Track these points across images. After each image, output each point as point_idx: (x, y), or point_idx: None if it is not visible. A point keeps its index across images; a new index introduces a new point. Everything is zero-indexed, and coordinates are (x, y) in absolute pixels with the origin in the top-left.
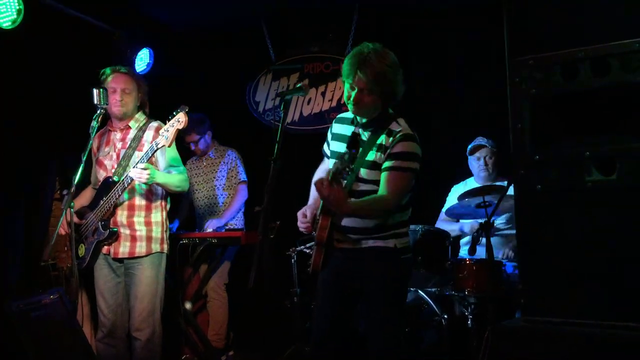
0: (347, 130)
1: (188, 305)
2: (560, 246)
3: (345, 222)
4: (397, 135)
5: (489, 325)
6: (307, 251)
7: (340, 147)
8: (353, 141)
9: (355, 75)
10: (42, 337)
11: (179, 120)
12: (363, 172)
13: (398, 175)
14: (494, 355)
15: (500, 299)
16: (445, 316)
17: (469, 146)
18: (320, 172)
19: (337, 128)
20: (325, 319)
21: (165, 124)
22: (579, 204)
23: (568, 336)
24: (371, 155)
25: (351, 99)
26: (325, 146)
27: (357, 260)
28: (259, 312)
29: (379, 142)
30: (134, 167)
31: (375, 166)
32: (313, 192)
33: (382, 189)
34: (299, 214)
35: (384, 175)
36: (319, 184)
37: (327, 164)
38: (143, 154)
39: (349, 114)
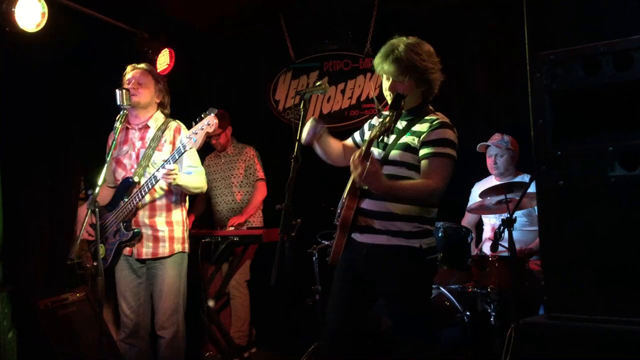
0: None
1: (211, 303)
2: (583, 242)
3: (371, 206)
4: (435, 122)
5: (512, 322)
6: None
7: None
8: (396, 102)
9: (382, 66)
10: (68, 334)
11: (209, 123)
12: (394, 154)
13: (438, 161)
14: (517, 352)
15: (523, 296)
16: (468, 313)
17: (478, 145)
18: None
19: (377, 120)
20: (338, 317)
21: (184, 123)
22: (602, 200)
23: (592, 333)
24: (405, 139)
25: (388, 90)
26: (356, 133)
27: (379, 260)
28: (281, 310)
29: (414, 128)
30: (161, 166)
31: (408, 148)
32: None
33: (424, 176)
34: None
35: (424, 163)
36: (352, 159)
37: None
38: (170, 156)
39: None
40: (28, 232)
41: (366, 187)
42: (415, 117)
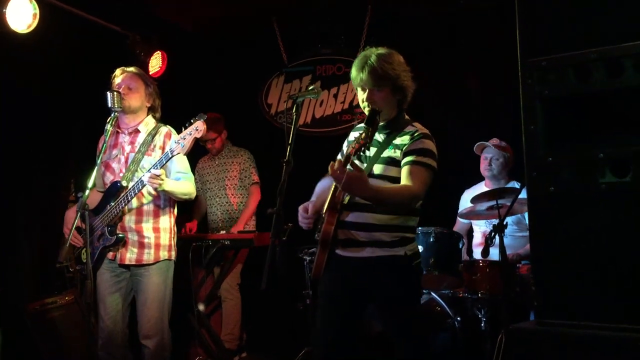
0: None
1: (201, 307)
2: (574, 248)
3: (352, 218)
4: (416, 134)
5: (503, 327)
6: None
7: None
8: (371, 118)
9: (359, 77)
10: (56, 337)
11: (197, 128)
12: (377, 169)
13: (420, 169)
14: (507, 357)
15: (514, 301)
16: (459, 318)
17: (476, 145)
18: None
19: (356, 134)
20: (333, 330)
21: (175, 129)
22: (592, 206)
23: (583, 339)
24: (387, 153)
25: (365, 101)
26: (339, 155)
27: (366, 272)
28: (272, 314)
29: (395, 141)
30: (148, 171)
31: (391, 162)
32: (317, 190)
33: (405, 181)
34: (301, 208)
35: (405, 169)
36: (332, 168)
37: None
38: (157, 161)
39: None
40: (19, 235)
41: (347, 198)
42: (395, 129)
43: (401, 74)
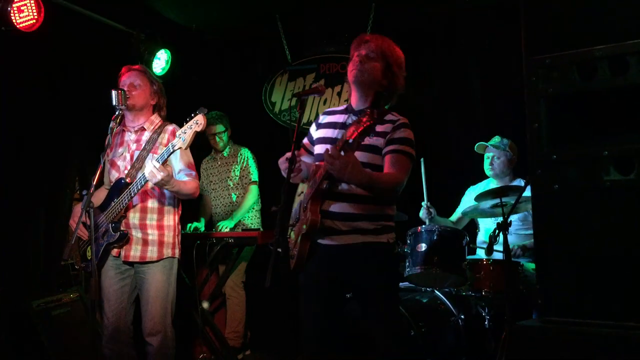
0: (340, 118)
1: (205, 305)
2: (578, 246)
3: (334, 208)
4: (397, 123)
5: (506, 325)
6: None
7: (332, 133)
8: (377, 100)
9: (362, 45)
10: (61, 335)
11: (198, 122)
12: (360, 155)
13: (403, 158)
14: (511, 355)
15: (518, 299)
16: (462, 316)
17: (476, 145)
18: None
19: (327, 118)
20: (322, 321)
21: (181, 126)
22: (596, 204)
23: (586, 337)
24: (369, 140)
25: (357, 62)
26: (305, 139)
27: (347, 259)
28: (275, 312)
29: (377, 129)
30: (151, 165)
31: (372, 149)
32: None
33: (389, 169)
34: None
35: (389, 157)
36: (327, 154)
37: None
38: (159, 155)
39: (339, 108)
40: (22, 233)
41: (330, 187)
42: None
43: (395, 63)
